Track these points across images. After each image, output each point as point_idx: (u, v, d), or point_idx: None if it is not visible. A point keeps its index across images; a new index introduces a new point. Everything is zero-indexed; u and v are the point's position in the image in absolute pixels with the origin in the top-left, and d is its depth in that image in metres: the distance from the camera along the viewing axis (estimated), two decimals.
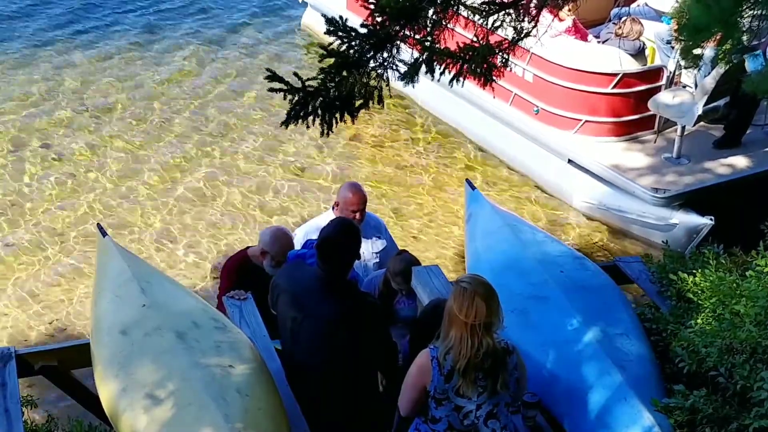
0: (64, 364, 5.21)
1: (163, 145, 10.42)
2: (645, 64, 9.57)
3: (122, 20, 13.51)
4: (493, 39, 4.55)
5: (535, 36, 4.69)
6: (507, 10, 4.54)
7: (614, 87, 9.24)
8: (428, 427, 4.01)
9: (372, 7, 4.13)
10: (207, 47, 12.75)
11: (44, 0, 13.98)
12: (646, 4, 10.59)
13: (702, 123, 9.21)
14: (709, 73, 8.68)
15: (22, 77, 11.81)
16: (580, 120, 9.41)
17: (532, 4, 4.66)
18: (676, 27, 6.67)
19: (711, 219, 8.44)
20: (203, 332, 4.42)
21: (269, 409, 4.08)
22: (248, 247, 5.77)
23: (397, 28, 4.16)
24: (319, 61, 4.38)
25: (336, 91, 4.14)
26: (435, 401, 3.95)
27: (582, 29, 9.82)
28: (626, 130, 9.49)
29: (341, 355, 4.38)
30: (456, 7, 4.38)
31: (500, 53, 4.54)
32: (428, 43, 4.29)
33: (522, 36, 4.63)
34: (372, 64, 4.18)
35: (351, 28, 4.14)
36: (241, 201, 9.49)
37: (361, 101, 4.20)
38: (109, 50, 12.57)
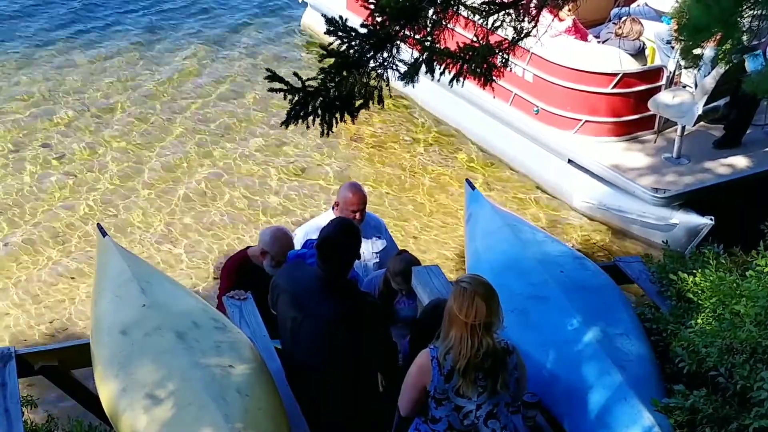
0: (64, 364, 5.21)
1: (164, 145, 10.42)
2: (645, 64, 9.57)
3: (124, 20, 13.51)
4: (493, 39, 4.55)
5: (535, 36, 4.69)
6: (507, 10, 4.54)
7: (614, 87, 9.24)
8: (428, 427, 4.01)
9: (372, 7, 4.13)
10: (207, 48, 12.74)
11: (46, 0, 13.99)
12: (646, 4, 10.59)
13: (702, 123, 9.21)
14: (709, 73, 8.68)
15: (23, 77, 11.81)
16: (580, 120, 9.41)
17: (532, 4, 4.66)
18: (676, 27, 6.66)
19: (711, 219, 8.43)
20: (203, 332, 4.42)
21: (269, 409, 4.08)
22: (248, 247, 5.77)
23: (397, 28, 4.16)
24: (319, 61, 4.38)
25: (336, 91, 4.14)
26: (435, 401, 3.95)
27: (582, 29, 9.82)
28: (626, 130, 9.49)
29: (341, 355, 4.38)
30: (456, 7, 4.38)
31: (500, 53, 4.55)
32: (428, 43, 4.29)
33: (522, 36, 4.63)
34: (372, 64, 4.18)
35: (351, 28, 4.14)
36: (242, 201, 9.49)
37: (361, 101, 4.20)
38: (111, 50, 12.57)
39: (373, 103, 4.22)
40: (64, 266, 8.45)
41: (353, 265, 4.58)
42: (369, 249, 5.81)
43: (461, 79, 4.45)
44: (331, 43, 4.15)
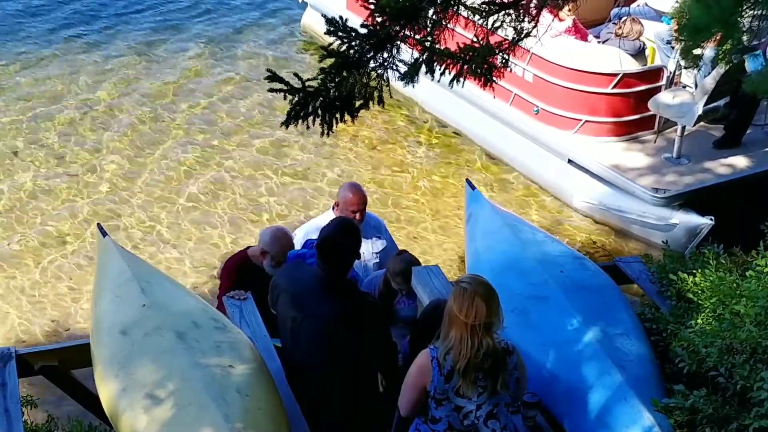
0: (64, 364, 5.21)
1: (165, 147, 10.42)
2: (645, 64, 9.57)
3: (126, 22, 13.51)
4: (493, 39, 4.55)
5: (535, 36, 4.69)
6: (507, 11, 4.54)
7: (614, 87, 9.24)
8: (428, 427, 4.01)
9: (372, 7, 4.13)
10: (208, 49, 12.74)
11: (49, 1, 13.99)
12: (646, 4, 10.59)
13: (702, 123, 9.21)
14: (709, 73, 8.68)
15: (26, 78, 11.82)
16: (580, 120, 9.41)
17: (532, 4, 4.66)
18: (676, 27, 6.66)
19: (711, 219, 8.43)
20: (203, 332, 4.42)
21: (269, 409, 4.08)
22: (248, 247, 5.77)
23: (397, 28, 4.16)
24: (319, 62, 4.38)
25: (336, 91, 4.14)
26: (435, 401, 3.95)
27: (582, 29, 9.82)
28: (626, 130, 9.49)
29: (341, 355, 4.38)
30: (456, 7, 4.37)
31: (500, 53, 4.54)
32: (428, 43, 4.29)
33: (522, 36, 4.63)
34: (372, 64, 4.18)
35: (351, 28, 4.13)
36: (243, 203, 9.49)
37: (361, 101, 4.20)
38: (113, 52, 12.57)
39: (373, 103, 4.22)
40: (65, 266, 8.46)
41: (353, 265, 4.58)
42: (369, 249, 5.81)
43: (461, 79, 4.45)
44: (331, 43, 4.15)
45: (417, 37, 4.26)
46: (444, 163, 10.28)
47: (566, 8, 9.02)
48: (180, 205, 9.40)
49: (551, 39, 8.01)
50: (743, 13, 4.63)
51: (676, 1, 6.77)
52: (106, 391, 4.26)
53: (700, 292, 4.97)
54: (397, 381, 4.22)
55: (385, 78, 4.21)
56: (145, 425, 3.93)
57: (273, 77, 4.06)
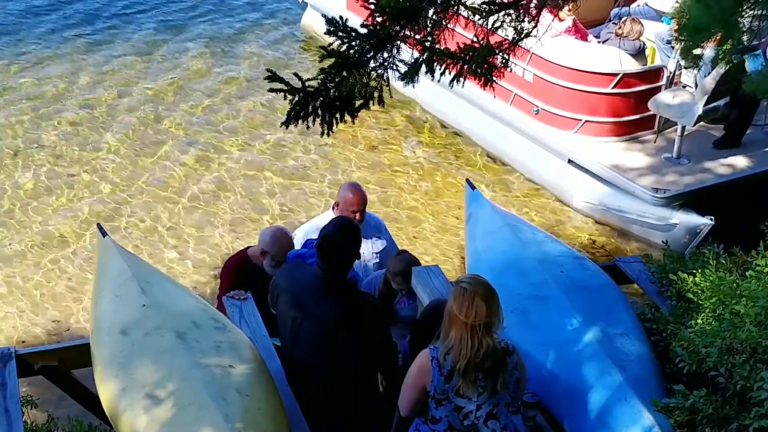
0: (64, 364, 5.21)
1: (166, 147, 10.42)
2: (645, 64, 9.57)
3: (127, 23, 13.51)
4: (493, 39, 4.55)
5: (535, 36, 4.69)
6: (507, 11, 4.54)
7: (614, 87, 9.24)
8: (428, 427, 4.01)
9: (372, 7, 4.12)
10: (209, 49, 12.74)
11: (48, 3, 13.99)
12: (646, 4, 10.59)
13: (702, 123, 9.21)
14: (709, 73, 8.68)
15: (27, 78, 11.83)
16: (580, 120, 9.41)
17: (532, 4, 4.67)
18: (676, 27, 6.67)
19: (711, 219, 8.43)
20: (203, 332, 4.42)
21: (269, 409, 4.08)
22: (248, 247, 5.77)
23: (397, 28, 4.16)
24: (319, 62, 4.38)
25: (336, 91, 4.14)
26: (435, 401, 3.95)
27: (582, 29, 9.82)
28: (626, 130, 9.49)
29: (341, 355, 4.38)
30: (456, 7, 4.37)
31: (500, 53, 4.54)
32: (428, 43, 4.29)
33: (522, 36, 4.63)
34: (372, 64, 4.18)
35: (351, 28, 4.13)
36: (244, 203, 9.49)
37: (361, 101, 4.20)
38: (114, 54, 12.57)
39: (373, 103, 4.22)
40: (65, 266, 8.46)
41: (353, 264, 4.58)
42: (369, 249, 5.81)
43: (461, 79, 4.45)
44: (331, 43, 4.15)
45: (417, 37, 4.26)
46: (444, 163, 10.27)
47: (566, 8, 9.02)
48: (180, 206, 9.40)
49: (551, 39, 8.01)
50: (743, 13, 4.63)
51: (676, 1, 6.77)
52: (106, 391, 4.26)
53: (700, 292, 4.97)
54: (397, 381, 4.22)
55: (385, 78, 4.20)
56: (145, 425, 3.93)
57: (273, 77, 4.06)
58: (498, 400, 3.96)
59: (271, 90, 4.11)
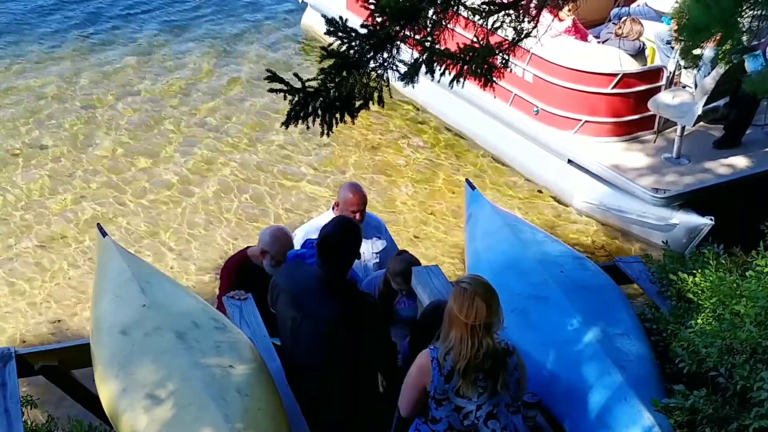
0: (64, 364, 5.20)
1: (167, 148, 10.42)
2: (645, 64, 9.57)
3: (129, 24, 13.50)
4: (493, 39, 4.55)
5: (535, 36, 4.69)
6: (507, 11, 4.54)
7: (614, 87, 9.24)
8: (428, 427, 4.01)
9: (372, 7, 4.13)
10: (211, 51, 12.73)
11: (50, 3, 14.00)
12: (646, 4, 10.59)
13: (702, 123, 9.21)
14: (709, 73, 8.68)
15: (29, 79, 11.84)
16: (580, 120, 9.41)
17: (532, 5, 4.67)
18: (676, 27, 6.67)
19: (711, 219, 8.43)
20: (203, 332, 4.42)
21: (269, 409, 4.08)
22: (248, 247, 5.77)
23: (397, 28, 4.16)
24: (319, 62, 4.38)
25: (336, 91, 4.14)
26: (435, 402, 3.95)
27: (582, 29, 9.82)
28: (626, 130, 9.49)
29: (341, 355, 4.38)
30: (456, 8, 4.38)
31: (500, 54, 4.55)
32: (428, 43, 4.29)
33: (522, 36, 4.63)
34: (372, 64, 4.18)
35: (351, 28, 4.14)
36: (244, 204, 9.49)
37: (361, 101, 4.21)
38: (115, 55, 12.56)
39: (373, 103, 4.22)
40: (65, 266, 8.46)
41: (353, 264, 4.58)
42: (369, 249, 5.81)
43: (461, 79, 4.46)
44: (331, 44, 4.15)
45: (417, 37, 4.26)
46: (444, 163, 10.27)
47: (566, 8, 9.02)
48: (181, 206, 9.40)
49: (551, 39, 8.01)
50: (743, 13, 4.63)
51: (676, 1, 6.78)
52: (106, 391, 4.26)
53: (700, 292, 4.97)
54: (397, 381, 4.22)
55: (385, 78, 4.21)
56: (145, 425, 3.93)
57: (273, 77, 4.06)
58: (498, 401, 3.96)
59: (271, 90, 4.11)
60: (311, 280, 4.45)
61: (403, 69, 4.23)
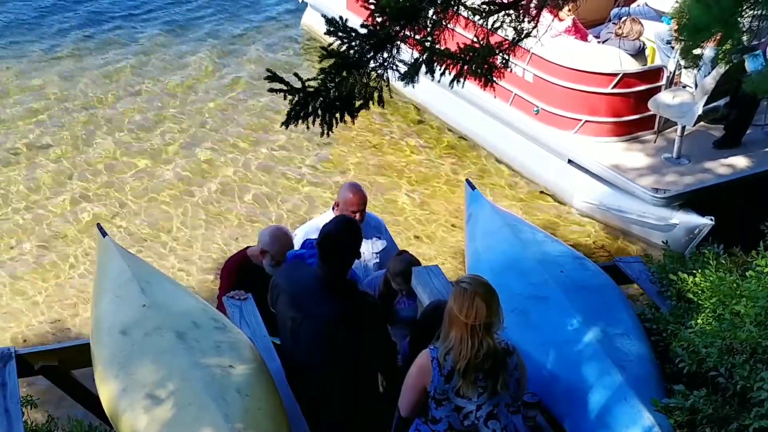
0: (64, 364, 5.20)
1: (167, 149, 10.43)
2: (645, 64, 9.57)
3: (130, 25, 13.52)
4: (493, 39, 4.55)
5: (535, 36, 4.69)
6: (507, 11, 4.54)
7: (614, 87, 9.24)
8: (428, 427, 4.01)
9: (372, 7, 4.13)
10: (212, 52, 12.74)
11: (52, 4, 14.00)
12: (646, 4, 10.59)
13: (702, 123, 9.21)
14: (709, 73, 8.68)
15: (30, 79, 11.87)
16: (580, 120, 9.41)
17: (532, 5, 4.67)
18: (676, 27, 6.66)
19: (711, 219, 8.43)
20: (203, 332, 4.42)
21: (269, 409, 4.08)
22: (248, 247, 5.77)
23: (397, 28, 4.16)
24: (319, 62, 4.38)
25: (336, 91, 4.15)
26: (435, 402, 3.95)
27: (582, 29, 9.82)
28: (626, 130, 9.49)
29: (341, 355, 4.38)
30: (456, 8, 4.38)
31: (500, 54, 4.55)
32: (428, 43, 4.29)
33: (522, 36, 4.63)
34: (372, 64, 4.18)
35: (351, 28, 4.14)
36: (245, 204, 9.50)
37: (361, 101, 4.21)
38: (117, 56, 12.58)
39: (373, 103, 4.22)
40: (65, 266, 8.46)
41: (353, 263, 4.58)
42: (369, 249, 5.81)
43: (461, 79, 4.46)
44: (331, 44, 4.15)
45: (417, 37, 4.26)
46: (444, 163, 10.27)
47: (566, 8, 9.02)
48: (181, 206, 9.40)
49: (551, 39, 8.01)
50: (743, 13, 4.63)
51: (676, 1, 6.78)
52: (106, 391, 4.25)
53: (700, 292, 4.97)
54: (397, 381, 4.22)
55: (385, 78, 4.21)
56: (146, 425, 3.93)
57: (273, 77, 4.06)
58: (498, 401, 3.96)
59: (271, 90, 4.12)
60: (311, 280, 4.45)
61: (403, 69, 4.23)
